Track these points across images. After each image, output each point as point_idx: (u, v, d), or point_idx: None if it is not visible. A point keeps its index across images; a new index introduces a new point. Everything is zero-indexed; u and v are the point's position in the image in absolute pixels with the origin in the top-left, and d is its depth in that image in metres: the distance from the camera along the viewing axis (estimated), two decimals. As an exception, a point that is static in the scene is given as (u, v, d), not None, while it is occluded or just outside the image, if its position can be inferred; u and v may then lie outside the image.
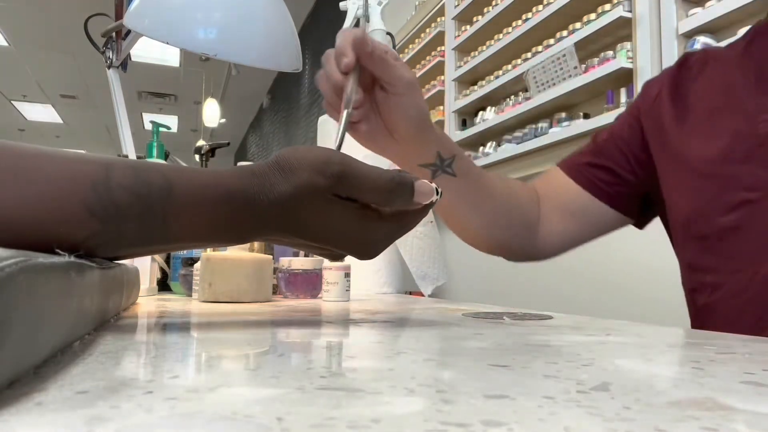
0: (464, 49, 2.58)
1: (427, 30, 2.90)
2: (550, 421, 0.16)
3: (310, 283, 0.82)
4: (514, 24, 2.21)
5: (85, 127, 8.28)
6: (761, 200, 0.52)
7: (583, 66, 1.84)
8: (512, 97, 2.29)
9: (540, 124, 2.11)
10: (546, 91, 1.97)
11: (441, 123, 2.69)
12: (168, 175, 0.31)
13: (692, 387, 0.21)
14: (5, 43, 5.53)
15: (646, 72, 1.56)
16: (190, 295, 0.79)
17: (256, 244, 0.87)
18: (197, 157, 1.49)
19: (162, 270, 0.91)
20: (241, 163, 0.39)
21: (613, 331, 0.40)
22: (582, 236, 0.70)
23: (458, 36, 2.58)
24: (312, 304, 0.71)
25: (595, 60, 1.80)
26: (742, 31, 0.76)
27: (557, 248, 0.71)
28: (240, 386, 0.20)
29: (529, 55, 2.14)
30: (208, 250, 0.74)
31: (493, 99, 2.42)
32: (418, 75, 2.91)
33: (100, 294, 0.31)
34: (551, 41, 2.01)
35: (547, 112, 2.08)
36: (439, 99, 2.77)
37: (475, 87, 2.51)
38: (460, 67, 2.58)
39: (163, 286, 0.92)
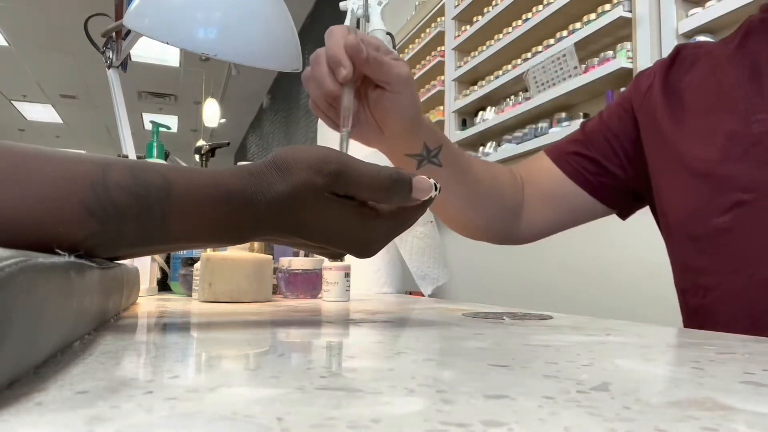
0: (464, 49, 2.59)
1: (427, 30, 2.90)
2: (550, 421, 0.16)
3: (310, 283, 0.82)
4: (514, 24, 2.21)
5: (85, 127, 8.28)
6: (756, 201, 0.52)
7: (583, 66, 1.84)
8: (512, 97, 2.30)
9: (540, 124, 2.11)
10: (546, 91, 1.97)
11: (441, 123, 2.69)
12: (167, 176, 0.31)
13: (692, 387, 0.21)
14: (5, 43, 5.53)
15: (646, 72, 1.56)
16: (190, 295, 0.79)
17: (256, 244, 0.87)
18: (197, 157, 1.49)
19: (162, 270, 0.91)
20: (240, 164, 0.39)
21: (613, 331, 0.40)
22: (564, 223, 0.71)
23: (458, 36, 2.58)
24: (312, 304, 0.71)
25: (595, 60, 1.80)
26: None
27: (539, 233, 0.72)
28: (240, 386, 0.20)
29: (529, 55, 2.14)
30: (208, 250, 0.74)
31: (493, 99, 2.42)
32: (417, 75, 2.91)
33: (100, 294, 0.31)
34: (551, 41, 2.01)
35: (547, 112, 2.08)
36: (439, 99, 2.77)
37: (475, 87, 2.51)
38: (460, 67, 2.58)
39: (163, 286, 0.92)
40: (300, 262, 0.82)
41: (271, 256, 0.75)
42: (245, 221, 0.34)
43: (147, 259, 0.79)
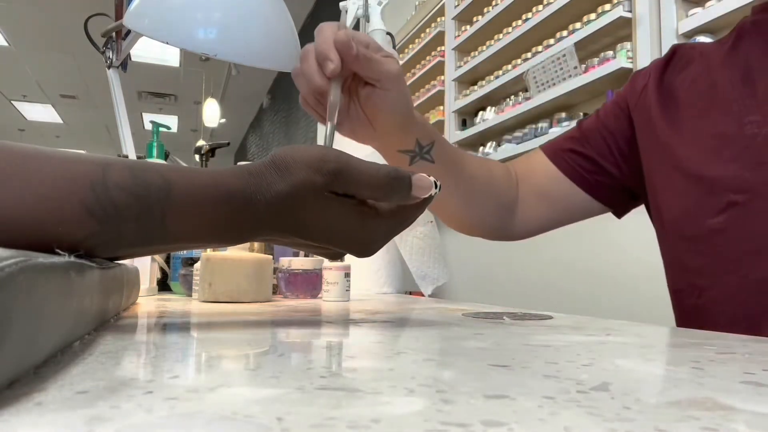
0: (464, 49, 2.58)
1: (427, 30, 2.90)
2: (550, 421, 0.16)
3: (310, 283, 0.82)
4: (514, 24, 2.21)
5: (85, 127, 8.28)
6: (749, 202, 0.52)
7: (583, 66, 1.84)
8: (512, 97, 2.30)
9: (540, 124, 2.11)
10: (546, 91, 1.97)
11: (441, 123, 2.69)
12: (167, 176, 0.31)
13: (692, 387, 0.21)
14: (5, 43, 5.53)
15: (646, 72, 1.56)
16: (190, 295, 0.79)
17: (256, 244, 0.87)
18: (197, 157, 1.49)
19: (162, 270, 0.91)
20: (240, 164, 0.39)
21: (613, 331, 0.40)
22: (559, 220, 0.71)
23: (458, 36, 2.58)
24: (312, 304, 0.71)
25: (595, 60, 1.80)
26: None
27: (533, 230, 0.72)
28: (240, 386, 0.20)
29: (529, 55, 2.14)
30: (208, 250, 0.74)
31: (493, 99, 2.42)
32: (417, 75, 2.91)
33: (100, 294, 0.31)
34: (551, 41, 2.01)
35: (547, 112, 2.08)
36: (439, 99, 2.77)
37: (475, 87, 2.51)
38: (460, 67, 2.58)
39: (163, 286, 0.92)
40: (300, 262, 0.82)
41: (271, 256, 0.76)
42: (245, 221, 0.34)
43: (147, 259, 0.79)
